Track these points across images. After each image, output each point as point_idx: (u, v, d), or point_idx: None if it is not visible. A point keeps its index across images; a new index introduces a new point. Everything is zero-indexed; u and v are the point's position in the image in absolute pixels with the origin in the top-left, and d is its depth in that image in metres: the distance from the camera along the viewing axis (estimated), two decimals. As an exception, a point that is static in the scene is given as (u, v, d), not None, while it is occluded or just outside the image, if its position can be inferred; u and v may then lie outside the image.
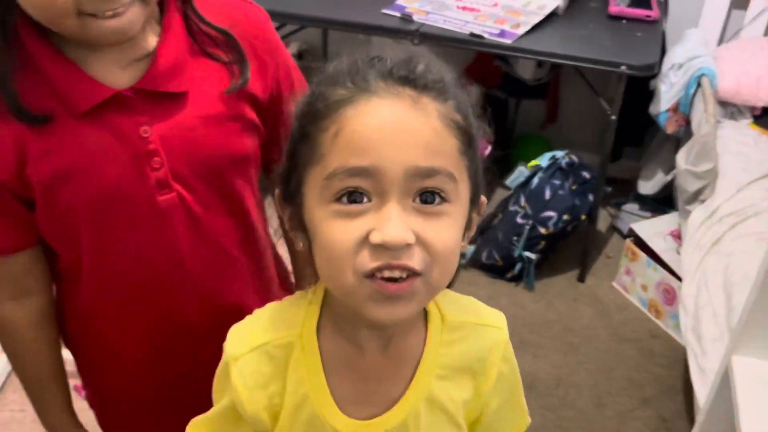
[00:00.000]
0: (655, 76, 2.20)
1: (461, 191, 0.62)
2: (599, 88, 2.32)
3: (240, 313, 0.75)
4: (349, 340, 0.69)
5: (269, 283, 0.99)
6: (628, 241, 2.29)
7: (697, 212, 1.94)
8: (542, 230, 2.28)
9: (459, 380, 0.72)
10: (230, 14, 0.83)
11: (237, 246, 0.90)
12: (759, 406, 1.05)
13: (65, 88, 0.74)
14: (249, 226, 0.91)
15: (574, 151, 2.42)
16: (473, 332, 0.73)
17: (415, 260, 0.59)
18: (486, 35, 2.14)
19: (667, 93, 2.17)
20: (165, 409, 0.96)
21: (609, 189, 2.60)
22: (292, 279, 1.06)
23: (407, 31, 2.18)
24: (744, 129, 2.15)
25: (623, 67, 2.00)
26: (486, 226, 2.44)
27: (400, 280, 0.59)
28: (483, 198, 0.69)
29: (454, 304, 0.73)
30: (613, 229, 2.61)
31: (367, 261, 0.58)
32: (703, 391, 1.53)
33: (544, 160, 2.31)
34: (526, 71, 2.56)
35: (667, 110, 2.18)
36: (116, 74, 0.76)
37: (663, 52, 2.24)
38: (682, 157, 2.05)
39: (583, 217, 2.31)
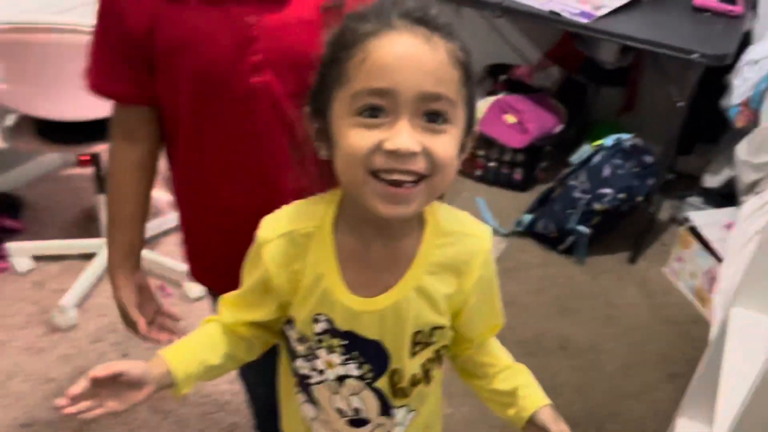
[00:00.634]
0: (728, 69, 2.24)
1: (459, 116, 0.76)
2: (675, 78, 2.37)
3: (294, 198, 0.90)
4: (359, 235, 0.83)
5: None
6: (682, 229, 2.35)
7: (750, 203, 1.98)
8: (597, 206, 2.37)
9: (445, 277, 0.86)
10: None
11: (304, 141, 1.07)
12: (744, 349, 1.14)
13: None
14: None
15: (646, 140, 2.47)
16: (462, 239, 0.87)
17: (419, 166, 0.73)
18: (565, 14, 2.24)
19: (740, 88, 2.20)
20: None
21: (670, 176, 2.64)
22: None
23: (491, 3, 2.31)
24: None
25: (696, 55, 2.06)
26: (545, 198, 2.55)
27: (405, 185, 0.73)
28: (476, 128, 0.84)
29: (449, 215, 0.88)
30: (674, 220, 2.65)
31: (378, 162, 0.73)
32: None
33: (609, 141, 2.39)
34: (607, 55, 2.62)
35: (738, 104, 2.21)
36: None
37: (743, 48, 2.27)
38: (742, 149, 2.09)
39: (639, 198, 2.37)
